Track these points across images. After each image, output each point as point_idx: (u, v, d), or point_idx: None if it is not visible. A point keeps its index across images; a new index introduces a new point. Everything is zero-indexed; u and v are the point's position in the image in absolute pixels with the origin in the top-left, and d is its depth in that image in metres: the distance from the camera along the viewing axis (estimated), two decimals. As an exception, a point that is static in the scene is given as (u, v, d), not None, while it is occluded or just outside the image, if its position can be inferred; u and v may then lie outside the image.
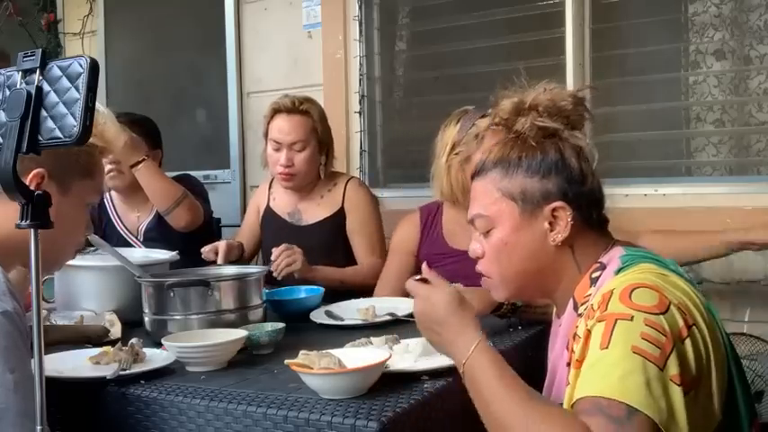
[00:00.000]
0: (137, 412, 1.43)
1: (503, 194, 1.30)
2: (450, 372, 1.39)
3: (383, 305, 2.04)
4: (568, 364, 1.21)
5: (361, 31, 3.47)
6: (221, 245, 2.32)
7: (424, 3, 3.49)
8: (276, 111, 2.50)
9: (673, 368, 1.05)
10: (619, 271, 1.22)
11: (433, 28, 3.45)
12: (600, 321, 1.12)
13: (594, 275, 1.26)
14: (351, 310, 2.03)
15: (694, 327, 1.12)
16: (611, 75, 3.06)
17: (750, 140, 2.91)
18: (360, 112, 3.48)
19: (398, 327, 1.87)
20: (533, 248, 1.29)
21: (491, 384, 1.14)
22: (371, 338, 1.62)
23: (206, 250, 2.31)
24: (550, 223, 1.27)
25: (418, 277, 1.35)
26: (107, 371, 1.50)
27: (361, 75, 3.47)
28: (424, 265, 1.37)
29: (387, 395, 1.32)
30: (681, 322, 1.10)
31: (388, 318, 1.94)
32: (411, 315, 1.92)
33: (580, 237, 1.28)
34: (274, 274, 2.21)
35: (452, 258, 2.19)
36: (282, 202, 2.61)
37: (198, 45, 4.13)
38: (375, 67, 3.53)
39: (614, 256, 1.27)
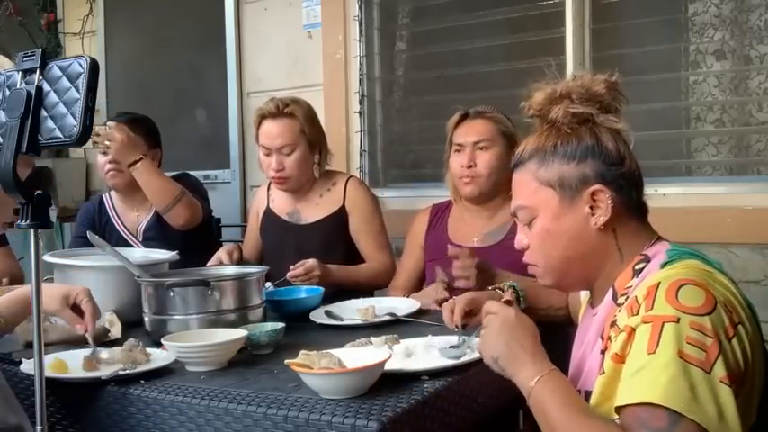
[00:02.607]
0: (137, 412, 1.43)
1: (541, 183, 1.30)
2: (450, 372, 1.39)
3: (383, 305, 2.04)
4: (602, 352, 1.20)
5: (361, 31, 3.47)
6: (223, 256, 2.32)
7: (423, 3, 3.49)
8: (262, 116, 2.49)
9: (720, 370, 1.04)
10: (664, 265, 1.21)
11: (433, 28, 3.45)
12: (646, 323, 1.11)
13: (638, 267, 1.25)
14: (351, 310, 2.03)
15: (740, 325, 1.11)
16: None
17: (750, 140, 2.91)
18: (360, 112, 3.48)
19: (398, 327, 1.87)
20: (576, 233, 1.28)
21: (557, 407, 1.15)
22: (371, 338, 1.62)
23: (211, 264, 2.30)
24: (591, 207, 1.27)
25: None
26: (107, 371, 1.50)
27: (361, 75, 3.47)
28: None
29: (387, 395, 1.32)
30: (727, 321, 1.10)
31: (388, 318, 1.94)
32: (411, 315, 1.95)
33: (622, 221, 1.28)
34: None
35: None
36: (281, 203, 2.61)
37: (198, 45, 4.13)
38: (375, 67, 3.53)
39: (660, 250, 1.26)
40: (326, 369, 1.32)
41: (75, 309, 1.69)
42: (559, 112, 1.31)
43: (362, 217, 2.53)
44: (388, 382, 1.36)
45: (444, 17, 3.38)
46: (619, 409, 1.08)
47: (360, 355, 1.41)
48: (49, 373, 1.43)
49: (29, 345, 1.74)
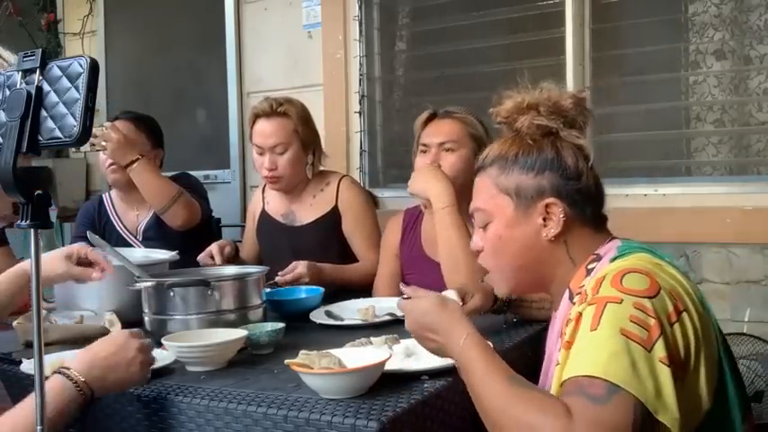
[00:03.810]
0: (136, 412, 1.43)
1: (499, 190, 1.34)
2: (450, 372, 1.39)
3: (383, 305, 2.04)
4: (560, 349, 1.23)
5: (361, 31, 3.47)
6: (213, 248, 2.31)
7: (424, 3, 3.49)
8: (256, 116, 2.49)
9: (660, 350, 1.07)
10: (614, 259, 1.25)
11: (433, 28, 3.45)
12: (591, 305, 1.14)
13: (591, 266, 1.29)
14: (351, 310, 2.03)
15: (685, 313, 1.14)
16: (612, 75, 3.06)
17: (750, 140, 2.91)
18: (360, 112, 3.48)
19: (398, 327, 1.86)
20: (527, 243, 1.32)
21: (478, 374, 1.17)
22: (371, 338, 1.62)
23: (202, 258, 2.30)
24: (544, 219, 1.31)
25: (404, 296, 1.40)
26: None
27: (361, 75, 3.47)
28: (401, 286, 1.43)
29: (387, 395, 1.32)
30: (671, 307, 1.13)
31: (388, 318, 1.94)
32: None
33: (574, 232, 1.31)
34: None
35: (429, 266, 2.20)
36: (276, 205, 2.59)
37: (198, 45, 4.13)
38: (375, 67, 3.53)
39: (611, 247, 1.30)
40: (326, 369, 1.32)
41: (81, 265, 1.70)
42: (525, 122, 1.34)
43: (354, 217, 2.51)
44: (388, 382, 1.36)
45: (444, 17, 3.38)
46: (562, 385, 1.10)
47: (360, 355, 1.41)
48: (49, 373, 1.43)
49: (29, 345, 1.74)
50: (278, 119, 2.46)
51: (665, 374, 1.05)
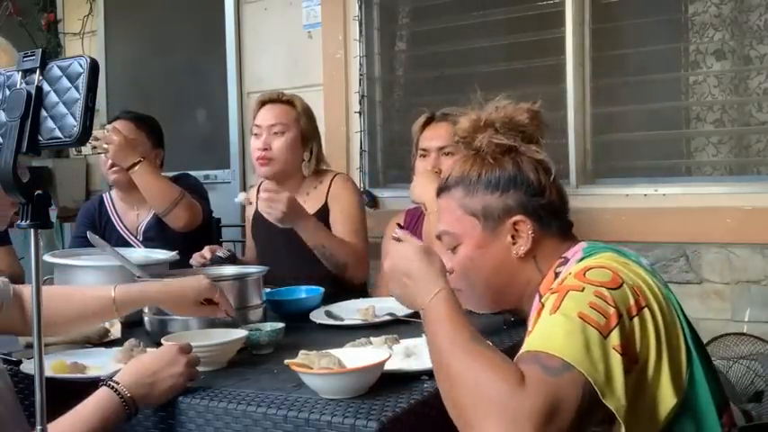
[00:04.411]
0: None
1: (465, 212, 1.35)
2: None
3: (383, 305, 2.04)
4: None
5: (361, 31, 3.47)
6: (204, 250, 2.28)
7: (424, 3, 3.49)
8: (262, 102, 2.51)
9: (615, 338, 1.08)
10: (581, 260, 1.26)
11: (433, 28, 3.45)
12: (553, 293, 1.16)
13: (558, 270, 1.30)
14: (351, 310, 2.03)
15: (646, 309, 1.15)
16: (612, 75, 3.06)
17: (750, 140, 2.91)
18: (360, 112, 3.48)
19: (398, 327, 1.87)
20: (498, 262, 1.33)
21: (443, 328, 1.16)
22: (371, 338, 1.62)
23: (194, 261, 2.26)
24: (512, 236, 1.32)
25: (393, 236, 1.39)
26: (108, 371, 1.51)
27: (361, 75, 3.47)
28: (396, 229, 1.41)
29: (387, 395, 1.32)
30: (632, 300, 1.14)
31: (388, 318, 1.94)
32: (411, 315, 1.95)
33: (542, 246, 1.32)
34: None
35: None
36: None
37: (198, 45, 4.13)
38: (375, 67, 3.53)
39: (577, 249, 1.31)
40: (326, 369, 1.32)
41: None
42: (483, 140, 1.35)
43: (341, 207, 2.47)
44: (388, 382, 1.37)
45: (444, 17, 3.38)
46: (518, 357, 1.11)
47: (360, 355, 1.41)
48: (49, 373, 1.43)
49: (29, 345, 1.74)
50: (282, 105, 2.49)
51: (616, 361, 1.06)
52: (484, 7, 3.26)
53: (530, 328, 1.27)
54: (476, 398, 1.05)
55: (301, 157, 2.50)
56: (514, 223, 1.31)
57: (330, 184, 2.51)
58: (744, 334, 2.58)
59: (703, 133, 2.98)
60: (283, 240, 2.46)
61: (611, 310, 1.10)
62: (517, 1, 3.19)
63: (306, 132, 2.49)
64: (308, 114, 2.53)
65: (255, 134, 2.49)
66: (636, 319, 1.13)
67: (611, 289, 1.13)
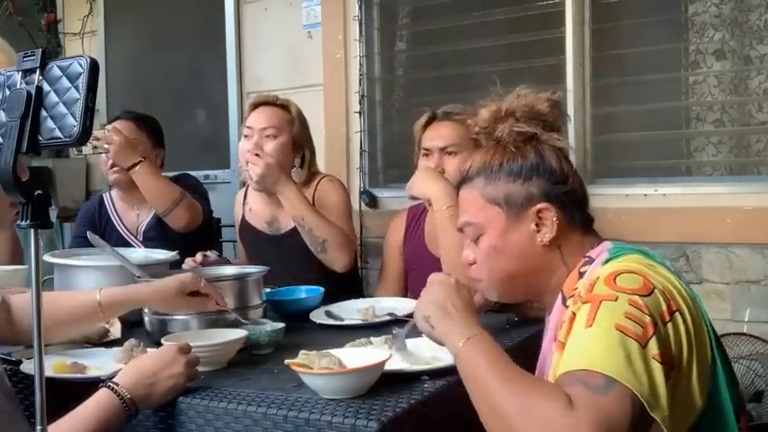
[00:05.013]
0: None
1: (487, 201, 1.34)
2: (450, 372, 1.39)
3: (383, 305, 2.04)
4: (555, 351, 1.23)
5: (361, 31, 3.47)
6: (197, 255, 2.24)
7: (424, 3, 3.49)
8: (255, 105, 2.47)
9: (654, 347, 1.07)
10: (606, 262, 1.25)
11: (433, 28, 3.45)
12: (585, 303, 1.14)
13: (583, 269, 1.28)
14: (351, 310, 2.03)
15: (677, 313, 1.14)
16: (612, 75, 3.06)
17: (750, 140, 2.91)
18: (360, 112, 3.48)
19: (398, 327, 1.86)
20: (522, 250, 1.32)
21: (482, 364, 1.14)
22: (371, 338, 1.62)
23: (186, 266, 2.22)
24: (537, 224, 1.31)
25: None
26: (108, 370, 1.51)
27: (361, 75, 3.47)
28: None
29: (387, 395, 1.32)
30: (664, 306, 1.13)
31: (388, 318, 1.94)
32: (411, 315, 1.95)
33: (566, 236, 1.31)
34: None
35: (432, 262, 2.18)
36: (258, 211, 2.52)
37: (198, 45, 4.13)
38: (375, 67, 3.53)
39: (602, 249, 1.30)
40: (326, 369, 1.32)
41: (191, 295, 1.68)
42: (504, 130, 1.34)
43: (325, 203, 2.42)
44: (388, 382, 1.36)
45: (444, 17, 3.38)
46: (558, 378, 1.09)
47: (360, 355, 1.41)
48: (49, 373, 1.43)
49: (29, 345, 1.74)
50: (276, 108, 2.45)
51: (658, 371, 1.05)
52: (484, 7, 3.26)
53: (552, 332, 1.27)
54: (530, 424, 1.03)
55: (292, 162, 2.46)
56: (538, 211, 1.30)
57: (316, 188, 2.47)
58: (744, 334, 2.59)
59: (703, 133, 2.98)
60: (272, 248, 2.43)
61: (647, 319, 1.08)
62: (517, 1, 3.19)
63: (298, 138, 2.45)
64: (301, 120, 2.48)
65: (246, 135, 2.42)
66: (669, 325, 1.11)
67: (644, 296, 1.12)
